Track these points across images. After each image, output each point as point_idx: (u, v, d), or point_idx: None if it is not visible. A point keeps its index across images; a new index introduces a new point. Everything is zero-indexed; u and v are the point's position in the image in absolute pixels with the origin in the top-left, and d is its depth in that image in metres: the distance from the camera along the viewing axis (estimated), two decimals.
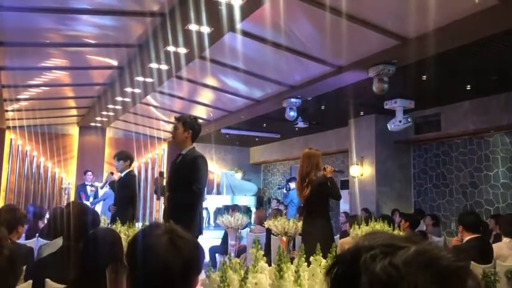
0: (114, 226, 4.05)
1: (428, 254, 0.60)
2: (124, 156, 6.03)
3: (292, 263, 1.84)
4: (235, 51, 6.49)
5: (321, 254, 1.89)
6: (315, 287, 1.76)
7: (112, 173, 6.31)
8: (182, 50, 6.08)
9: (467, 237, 4.22)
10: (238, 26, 5.43)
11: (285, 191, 12.06)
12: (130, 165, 6.03)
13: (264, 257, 1.83)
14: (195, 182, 3.79)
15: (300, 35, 5.88)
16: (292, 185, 11.25)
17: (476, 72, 7.03)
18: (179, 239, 1.25)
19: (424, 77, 7.06)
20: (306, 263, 1.83)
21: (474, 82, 7.58)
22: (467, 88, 7.82)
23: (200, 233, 3.97)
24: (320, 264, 1.82)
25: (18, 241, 3.64)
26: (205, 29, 5.33)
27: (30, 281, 2.37)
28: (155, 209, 13.92)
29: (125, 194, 5.83)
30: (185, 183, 3.80)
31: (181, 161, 3.99)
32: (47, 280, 2.39)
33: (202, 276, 1.80)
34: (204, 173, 3.96)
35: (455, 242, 4.57)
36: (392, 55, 5.92)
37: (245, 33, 5.81)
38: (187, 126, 4.03)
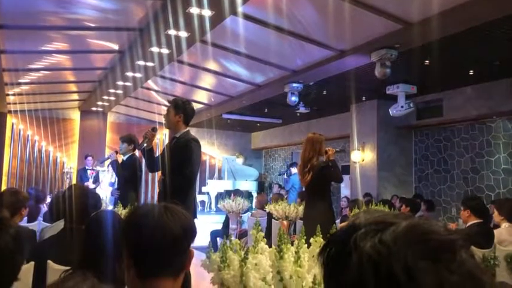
0: (115, 209, 4.07)
1: (418, 229, 0.59)
2: (128, 139, 6.03)
3: (292, 246, 1.85)
4: (237, 35, 6.44)
5: (321, 236, 1.90)
6: (315, 268, 1.77)
7: (116, 152, 6.29)
8: (183, 34, 6.04)
9: (471, 221, 4.22)
10: (240, 9, 5.38)
11: (285, 177, 12.06)
12: (134, 149, 6.04)
13: (265, 239, 1.84)
14: (187, 165, 3.75)
15: (302, 19, 5.83)
16: (294, 170, 11.27)
17: (479, 57, 6.98)
18: (173, 208, 1.31)
19: (427, 62, 7.02)
20: (306, 245, 1.84)
21: (477, 67, 7.52)
22: (470, 73, 7.77)
23: (194, 216, 3.95)
24: (320, 246, 1.83)
25: (20, 224, 3.66)
26: (207, 12, 5.29)
27: (33, 263, 2.39)
28: (156, 192, 13.95)
29: (128, 176, 5.84)
30: (178, 166, 3.78)
31: (174, 144, 3.96)
32: (49, 262, 2.41)
33: (202, 257, 1.81)
34: (196, 156, 3.90)
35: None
36: (395, 39, 5.87)
37: (247, 17, 5.76)
38: (179, 109, 3.97)
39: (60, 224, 2.91)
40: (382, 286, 0.55)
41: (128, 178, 5.84)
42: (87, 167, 9.68)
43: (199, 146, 3.97)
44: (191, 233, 1.30)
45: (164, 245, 1.24)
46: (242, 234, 7.34)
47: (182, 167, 3.75)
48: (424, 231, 0.58)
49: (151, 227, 1.24)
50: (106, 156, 6.82)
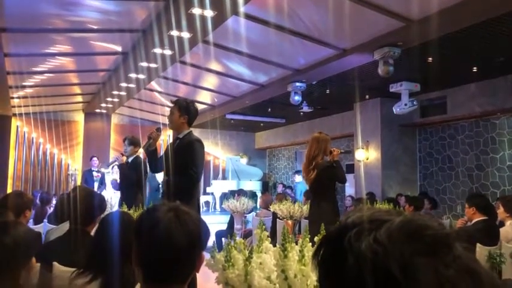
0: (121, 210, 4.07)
1: (412, 225, 0.58)
2: (135, 142, 6.05)
3: (297, 245, 1.85)
4: (239, 35, 6.45)
5: None
6: None
7: (122, 154, 6.31)
8: (186, 35, 6.05)
9: (477, 218, 4.20)
10: (242, 9, 5.38)
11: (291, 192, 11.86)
12: (138, 151, 6.08)
13: (269, 238, 1.84)
14: (191, 166, 3.76)
15: (304, 18, 5.83)
16: (298, 178, 11.31)
17: (482, 53, 6.94)
18: (184, 214, 1.29)
19: (430, 59, 6.99)
20: (310, 243, 1.84)
21: (480, 64, 7.50)
22: (474, 70, 7.74)
23: None
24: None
25: None
26: (209, 13, 5.29)
27: (38, 264, 2.40)
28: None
29: (134, 178, 5.86)
30: (182, 167, 3.79)
31: (178, 145, 3.97)
32: (55, 263, 2.42)
33: (207, 257, 1.82)
34: (200, 156, 3.92)
35: (461, 223, 4.57)
36: (398, 37, 5.86)
37: (249, 17, 5.76)
38: (183, 110, 3.98)
39: (65, 226, 2.92)
40: (381, 286, 0.55)
41: (134, 180, 5.85)
42: (92, 168, 9.73)
43: (203, 147, 3.98)
44: (200, 242, 1.29)
45: (169, 255, 1.23)
46: (247, 234, 7.35)
47: (186, 168, 3.76)
48: (418, 227, 0.58)
49: (158, 236, 1.24)
50: (112, 159, 6.83)
